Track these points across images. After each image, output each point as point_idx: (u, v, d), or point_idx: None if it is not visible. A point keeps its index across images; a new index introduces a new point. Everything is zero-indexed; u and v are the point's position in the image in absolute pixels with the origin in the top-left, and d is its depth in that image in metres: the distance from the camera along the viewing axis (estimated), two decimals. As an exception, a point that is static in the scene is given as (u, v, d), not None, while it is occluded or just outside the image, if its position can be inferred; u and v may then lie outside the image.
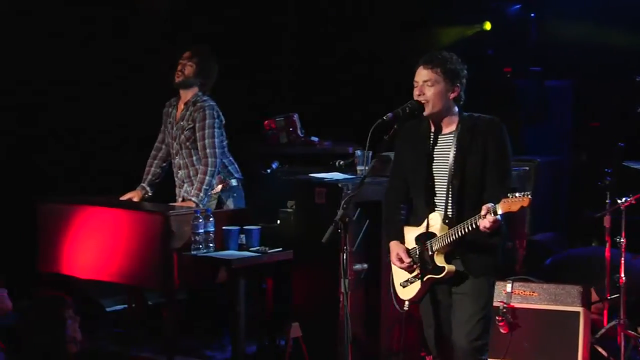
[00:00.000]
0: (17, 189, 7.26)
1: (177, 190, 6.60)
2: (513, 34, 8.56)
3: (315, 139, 7.53)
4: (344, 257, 4.73)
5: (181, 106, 6.54)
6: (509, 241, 6.73)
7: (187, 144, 6.47)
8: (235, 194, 6.60)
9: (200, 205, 6.26)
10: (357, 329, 6.04)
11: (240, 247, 5.94)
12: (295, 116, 7.52)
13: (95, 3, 7.66)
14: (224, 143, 6.56)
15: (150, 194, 6.63)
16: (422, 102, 4.78)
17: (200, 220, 5.82)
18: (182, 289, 6.29)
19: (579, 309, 6.03)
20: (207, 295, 6.76)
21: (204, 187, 6.34)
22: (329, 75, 8.80)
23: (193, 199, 6.32)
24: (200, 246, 5.82)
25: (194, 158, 6.48)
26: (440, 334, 4.89)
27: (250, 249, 5.92)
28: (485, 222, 4.53)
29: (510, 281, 6.16)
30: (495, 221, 4.51)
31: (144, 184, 6.65)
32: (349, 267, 5.86)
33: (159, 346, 6.24)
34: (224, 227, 5.92)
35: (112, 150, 7.80)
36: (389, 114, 4.77)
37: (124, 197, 6.52)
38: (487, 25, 8.60)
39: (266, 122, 7.53)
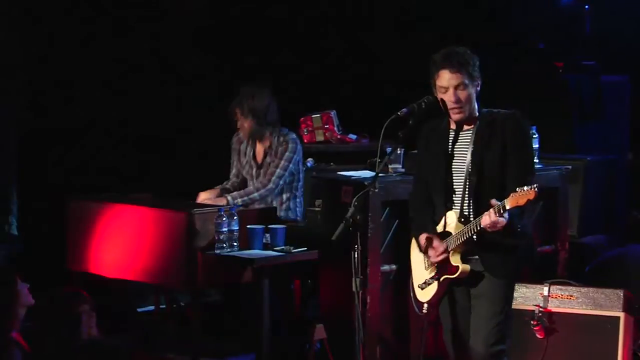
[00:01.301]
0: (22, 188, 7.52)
1: None
2: (566, 26, 8.51)
3: (353, 136, 7.62)
4: (356, 255, 4.81)
5: (261, 149, 6.76)
6: (549, 244, 6.76)
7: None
8: None
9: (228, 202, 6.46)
10: (386, 332, 6.12)
11: (265, 247, 6.07)
12: (333, 113, 7.63)
13: (96, 3, 7.92)
14: (296, 183, 6.78)
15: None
16: (458, 108, 4.81)
17: (224, 219, 5.96)
18: (207, 289, 6.43)
19: (620, 314, 5.96)
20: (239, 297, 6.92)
21: (246, 199, 6.53)
22: (330, 74, 8.84)
23: (229, 198, 6.52)
24: (224, 245, 5.96)
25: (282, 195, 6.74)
26: (459, 338, 4.95)
27: (275, 248, 6.04)
28: (485, 219, 4.60)
29: (547, 284, 6.15)
30: (496, 221, 4.57)
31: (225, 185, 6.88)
32: (367, 267, 6.03)
33: (186, 348, 6.39)
34: (248, 226, 6.05)
35: (112, 149, 8.02)
36: (404, 110, 4.86)
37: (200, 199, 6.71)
38: None
39: (302, 118, 7.66)
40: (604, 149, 8.23)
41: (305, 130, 7.64)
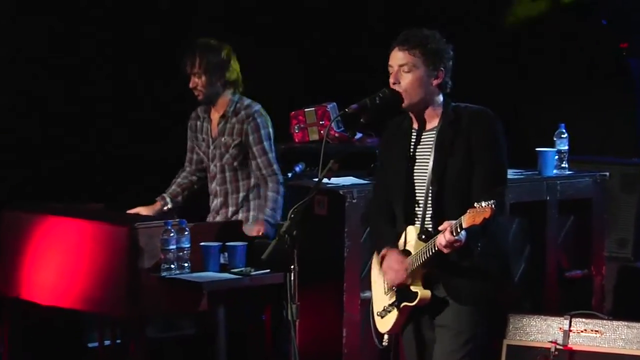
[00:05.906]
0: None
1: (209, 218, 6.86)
2: (632, 1, 8.45)
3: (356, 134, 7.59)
4: (291, 278, 4.85)
5: (215, 119, 6.76)
6: (580, 268, 6.72)
7: (235, 164, 6.71)
8: None
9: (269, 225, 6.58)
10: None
11: (223, 268, 6.13)
12: (330, 106, 7.58)
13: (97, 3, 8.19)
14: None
15: (169, 206, 6.88)
16: (399, 91, 4.86)
17: (172, 234, 5.99)
18: (152, 318, 6.48)
19: (651, 353, 5.95)
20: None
21: (278, 208, 6.60)
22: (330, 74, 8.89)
23: (268, 218, 6.58)
24: (172, 266, 5.99)
25: (240, 183, 6.74)
26: (423, 376, 4.97)
27: (232, 270, 6.08)
28: (440, 239, 4.61)
29: (568, 317, 6.10)
30: (452, 241, 4.59)
31: (164, 194, 6.93)
32: (343, 294, 6.08)
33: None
34: (201, 244, 6.10)
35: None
36: (353, 105, 4.89)
37: (132, 211, 6.79)
38: None
39: (293, 113, 7.65)
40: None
41: (296, 127, 7.61)
